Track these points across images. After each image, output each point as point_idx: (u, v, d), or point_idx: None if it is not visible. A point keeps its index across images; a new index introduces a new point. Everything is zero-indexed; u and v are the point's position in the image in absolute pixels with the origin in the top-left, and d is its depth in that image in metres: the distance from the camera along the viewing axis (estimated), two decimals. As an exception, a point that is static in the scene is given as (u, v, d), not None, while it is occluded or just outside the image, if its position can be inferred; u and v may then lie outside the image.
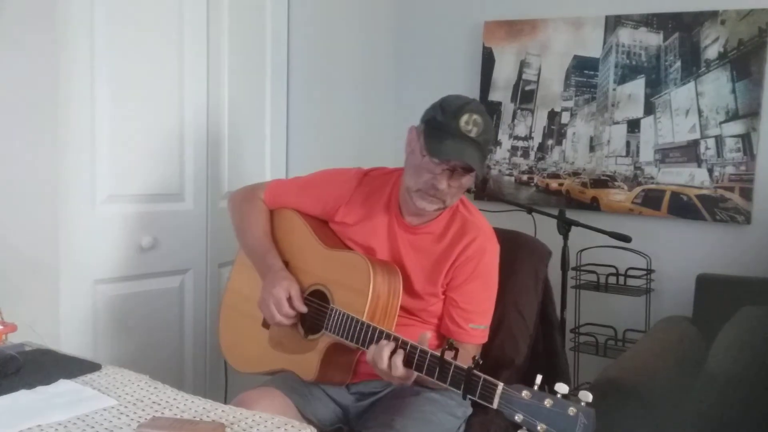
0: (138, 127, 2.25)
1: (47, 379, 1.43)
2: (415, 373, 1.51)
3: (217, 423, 1.25)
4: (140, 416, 1.28)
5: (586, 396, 1.26)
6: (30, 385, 1.39)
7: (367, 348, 1.58)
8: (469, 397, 1.39)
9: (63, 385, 1.42)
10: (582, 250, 2.85)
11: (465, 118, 1.63)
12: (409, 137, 1.75)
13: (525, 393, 1.30)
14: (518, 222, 2.60)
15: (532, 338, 2.07)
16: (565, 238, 2.57)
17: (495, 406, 1.33)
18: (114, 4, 2.14)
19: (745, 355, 2.01)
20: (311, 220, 1.90)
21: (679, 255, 2.81)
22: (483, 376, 1.37)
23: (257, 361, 1.86)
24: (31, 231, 1.95)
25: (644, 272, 2.80)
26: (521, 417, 1.29)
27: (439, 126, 1.64)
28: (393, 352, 1.51)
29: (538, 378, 1.32)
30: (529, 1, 3.07)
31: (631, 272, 2.82)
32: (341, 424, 1.78)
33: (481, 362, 1.40)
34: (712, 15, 2.69)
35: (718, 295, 2.53)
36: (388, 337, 1.55)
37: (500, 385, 1.34)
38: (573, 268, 2.78)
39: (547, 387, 1.33)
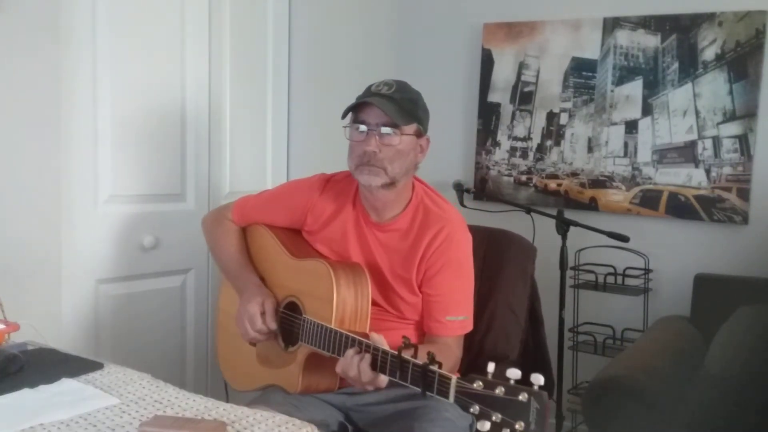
0: (139, 127, 2.26)
1: (50, 378, 1.43)
2: (384, 377, 1.47)
3: (218, 421, 1.25)
4: (142, 415, 1.29)
5: (538, 379, 1.21)
6: (32, 384, 1.39)
7: (341, 355, 1.55)
8: (428, 393, 1.35)
9: (65, 384, 1.42)
10: (580, 250, 2.86)
11: (376, 83, 1.70)
12: None
13: (477, 384, 1.25)
14: (517, 222, 2.62)
15: (524, 333, 2.08)
16: (564, 238, 2.59)
17: (451, 399, 1.30)
18: (116, 6, 2.16)
19: (742, 353, 2.03)
20: (282, 232, 1.89)
21: (677, 255, 2.81)
22: (438, 371, 1.33)
23: (250, 379, 1.85)
24: (33, 231, 1.96)
25: (642, 272, 2.81)
26: (477, 408, 1.25)
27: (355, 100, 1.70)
28: (361, 358, 1.48)
29: (491, 366, 1.28)
30: (528, 3, 3.08)
31: (629, 272, 2.83)
32: (343, 421, 1.76)
33: (435, 356, 1.36)
34: (710, 17, 2.69)
35: (716, 294, 2.53)
36: (353, 342, 1.52)
37: (453, 378, 1.30)
38: (571, 268, 2.79)
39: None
